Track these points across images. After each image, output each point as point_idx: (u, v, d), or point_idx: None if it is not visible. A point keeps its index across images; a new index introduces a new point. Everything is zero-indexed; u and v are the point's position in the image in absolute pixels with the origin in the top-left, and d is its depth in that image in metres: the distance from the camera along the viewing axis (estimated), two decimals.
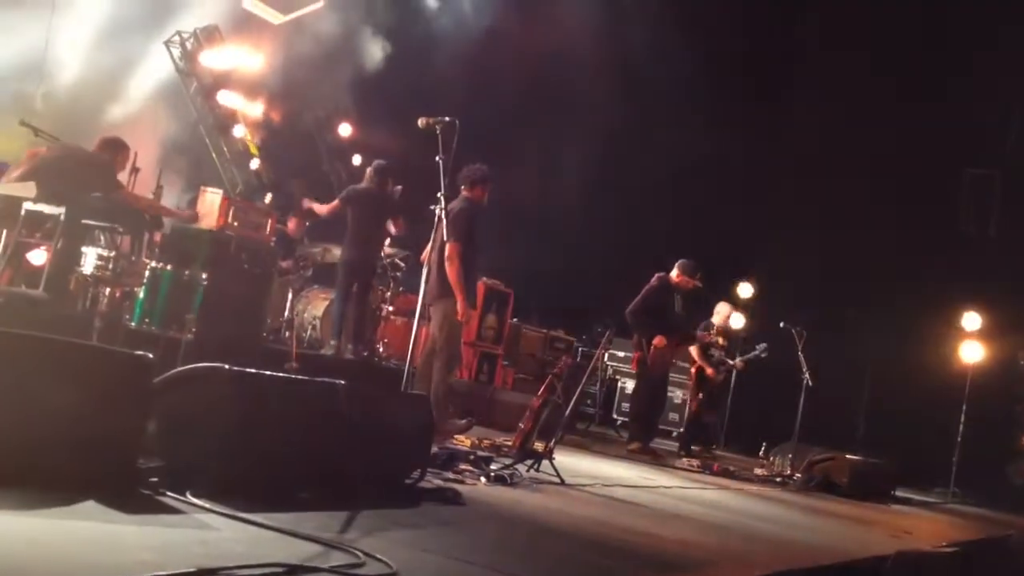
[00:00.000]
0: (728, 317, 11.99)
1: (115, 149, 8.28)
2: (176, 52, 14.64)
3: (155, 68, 14.19)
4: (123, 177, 8.47)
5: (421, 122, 7.04)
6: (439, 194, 6.95)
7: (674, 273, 10.56)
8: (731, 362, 11.94)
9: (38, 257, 7.40)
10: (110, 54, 12.89)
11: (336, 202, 10.11)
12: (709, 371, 11.59)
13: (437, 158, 6.89)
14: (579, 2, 15.26)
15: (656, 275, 10.59)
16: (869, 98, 15.83)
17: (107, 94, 13.11)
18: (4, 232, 7.47)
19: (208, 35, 14.69)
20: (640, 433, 10.59)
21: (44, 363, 3.40)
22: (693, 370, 11.80)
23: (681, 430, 12.12)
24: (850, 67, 15.53)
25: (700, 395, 11.71)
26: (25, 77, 11.52)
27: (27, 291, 6.92)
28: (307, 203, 10.71)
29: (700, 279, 10.69)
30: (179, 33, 14.53)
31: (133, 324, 7.31)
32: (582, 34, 14.91)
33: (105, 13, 12.68)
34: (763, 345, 11.82)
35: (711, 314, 11.99)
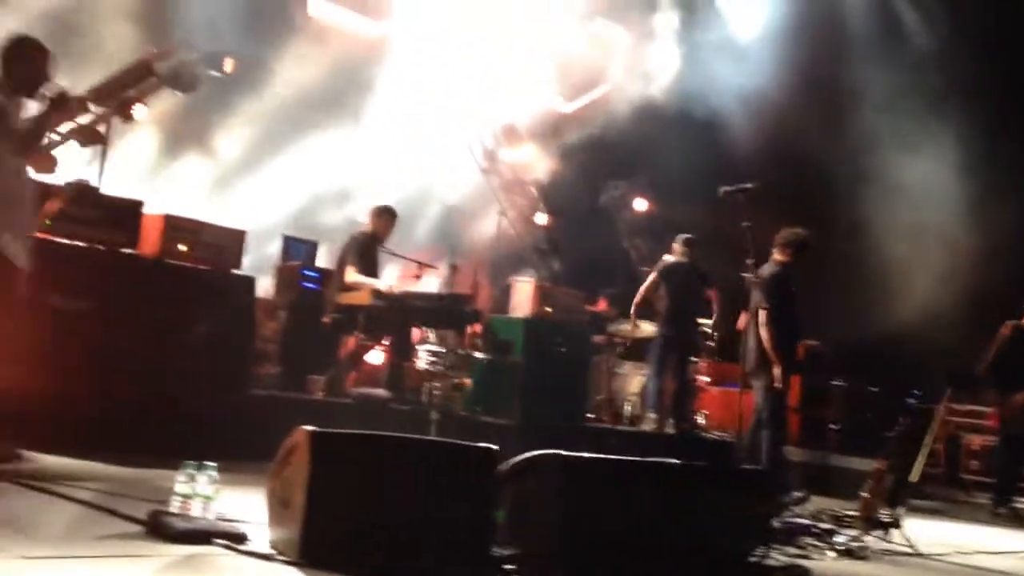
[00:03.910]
0: None
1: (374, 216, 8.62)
2: (477, 152, 15.49)
3: (457, 170, 15.04)
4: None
5: (723, 191, 7.06)
6: (748, 260, 6.86)
7: None
8: None
9: (376, 358, 8.03)
10: (410, 162, 13.70)
11: (654, 276, 10.13)
12: None
13: (744, 224, 6.83)
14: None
15: (1006, 322, 9.74)
16: None
17: (416, 202, 13.98)
18: (345, 337, 8.17)
19: (506, 132, 15.47)
20: (1000, 494, 9.69)
21: (402, 461, 3.64)
22: None
23: None
24: None
25: None
26: (332, 203, 12.35)
27: (372, 391, 7.51)
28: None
29: None
30: (478, 133, 15.38)
31: (463, 412, 7.68)
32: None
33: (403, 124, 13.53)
34: None
35: None
